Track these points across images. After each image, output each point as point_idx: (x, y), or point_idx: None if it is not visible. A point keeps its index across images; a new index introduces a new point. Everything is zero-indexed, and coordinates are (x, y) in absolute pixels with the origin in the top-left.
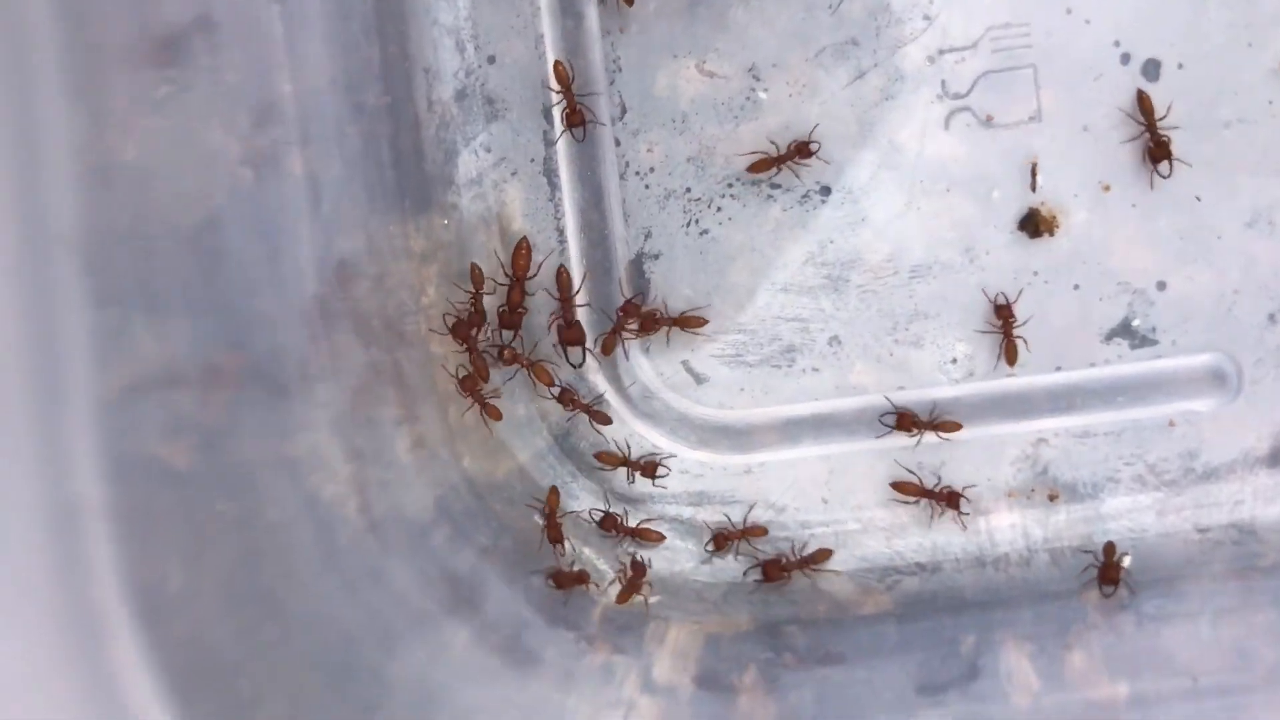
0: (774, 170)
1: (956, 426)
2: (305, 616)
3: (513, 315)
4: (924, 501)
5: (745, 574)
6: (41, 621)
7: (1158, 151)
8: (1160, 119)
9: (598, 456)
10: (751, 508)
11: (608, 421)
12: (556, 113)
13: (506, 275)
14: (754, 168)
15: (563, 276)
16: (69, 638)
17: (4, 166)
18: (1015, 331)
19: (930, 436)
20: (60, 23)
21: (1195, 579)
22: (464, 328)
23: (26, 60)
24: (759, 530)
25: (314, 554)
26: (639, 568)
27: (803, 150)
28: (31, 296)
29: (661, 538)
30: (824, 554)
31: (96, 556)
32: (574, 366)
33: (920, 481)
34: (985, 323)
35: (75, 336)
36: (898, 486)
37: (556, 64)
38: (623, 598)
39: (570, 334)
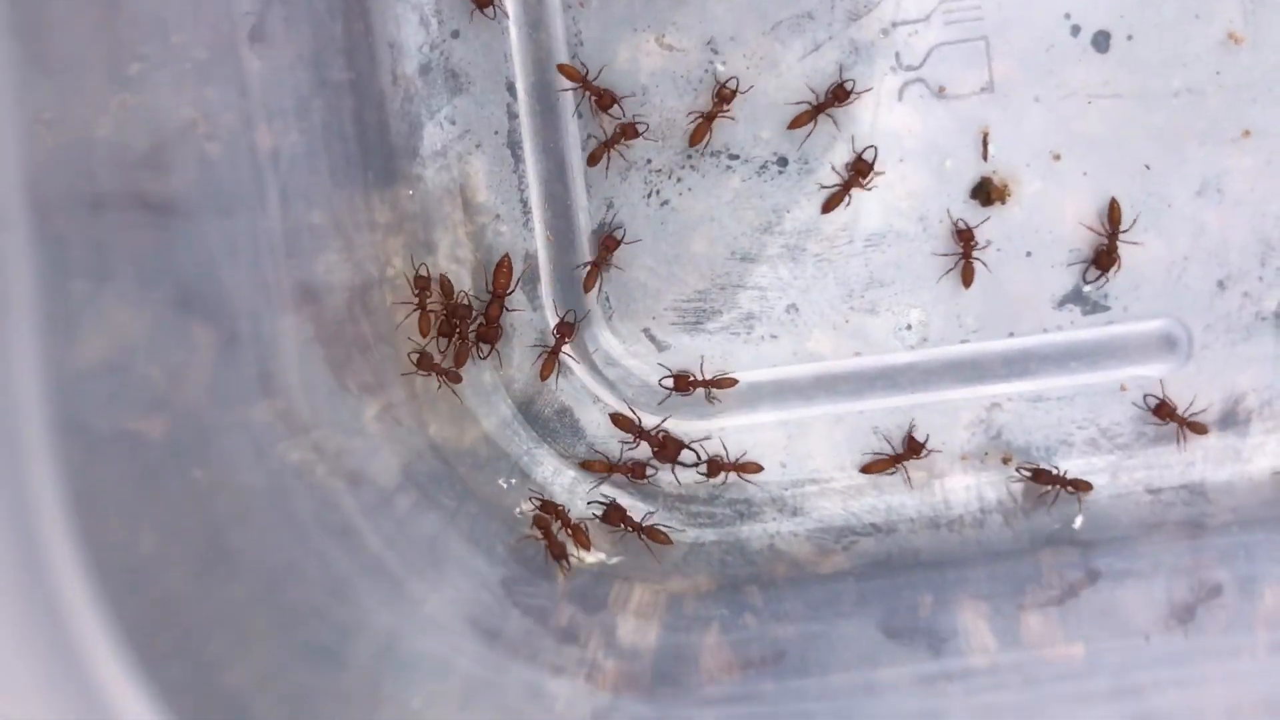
0: (813, 123)
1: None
2: (274, 579)
3: (490, 329)
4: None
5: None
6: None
7: (1107, 260)
8: (1123, 230)
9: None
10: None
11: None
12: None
13: (487, 290)
14: (795, 122)
15: (502, 270)
16: (30, 610)
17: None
18: (974, 254)
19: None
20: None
21: (1147, 539)
22: (449, 326)
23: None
24: (753, 466)
25: (282, 518)
26: (581, 537)
27: (840, 94)
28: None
29: (669, 541)
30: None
31: (54, 530)
32: (480, 358)
33: (892, 452)
34: (948, 245)
35: (32, 308)
36: (869, 469)
37: (561, 66)
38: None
39: (489, 332)
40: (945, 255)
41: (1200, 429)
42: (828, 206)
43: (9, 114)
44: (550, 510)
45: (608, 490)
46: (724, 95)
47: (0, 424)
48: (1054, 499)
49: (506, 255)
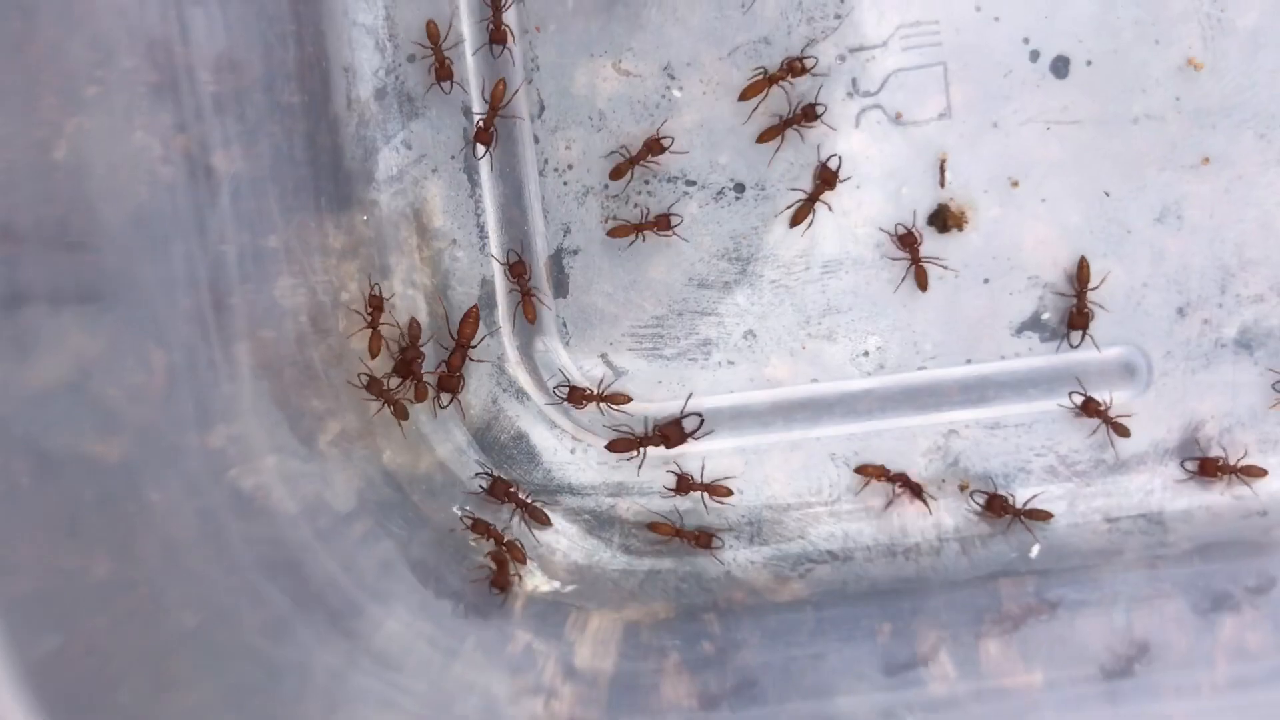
0: (764, 94)
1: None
2: (216, 608)
3: (452, 379)
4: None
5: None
6: None
7: (1079, 320)
8: (1092, 288)
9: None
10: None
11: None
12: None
13: (451, 337)
14: (763, 137)
15: (468, 321)
16: None
17: None
18: (922, 256)
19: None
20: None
21: (1106, 568)
22: (404, 367)
23: None
24: (723, 489)
25: (229, 545)
26: (516, 552)
27: (808, 113)
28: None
29: (549, 521)
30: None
31: None
32: (441, 407)
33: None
34: (894, 251)
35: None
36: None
37: (429, 23)
38: (499, 582)
39: (450, 383)
40: (895, 259)
41: (1123, 431)
42: (795, 220)
43: None
44: (482, 529)
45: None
46: (794, 69)
47: None
48: (1008, 526)
49: (475, 307)
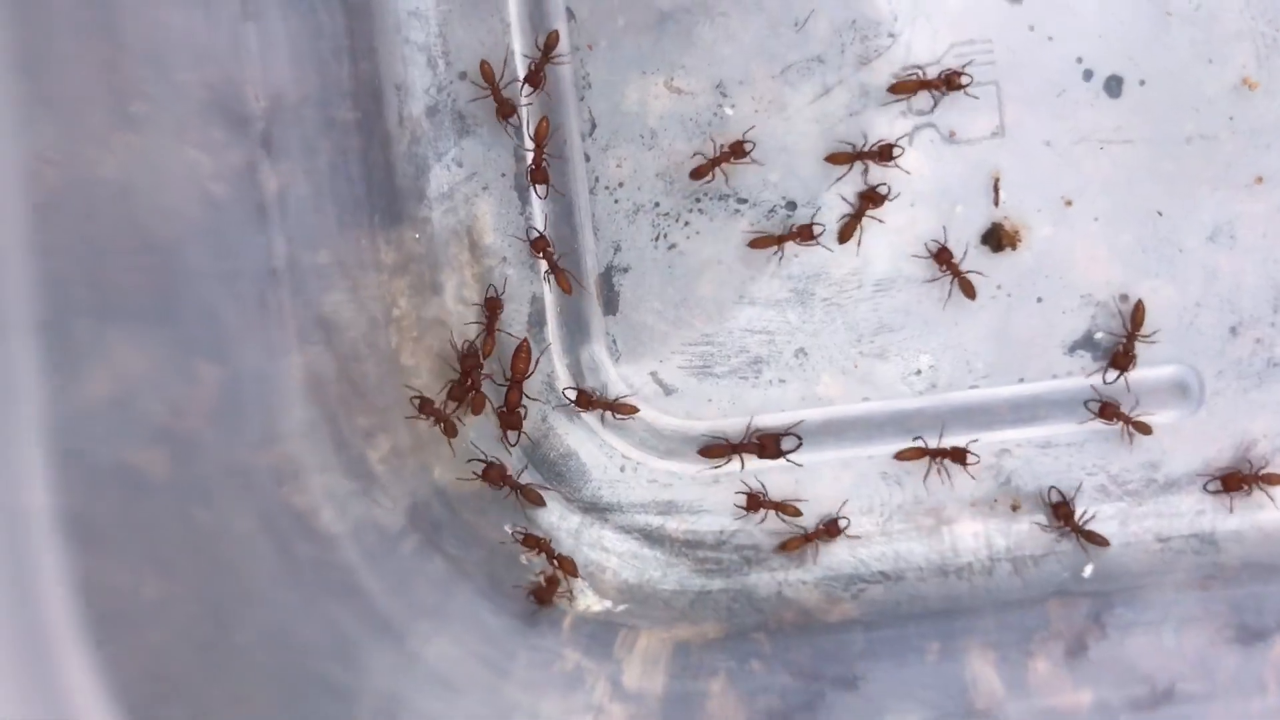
0: (848, 167)
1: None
2: (271, 628)
3: (513, 416)
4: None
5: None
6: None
7: (1122, 360)
8: (1145, 335)
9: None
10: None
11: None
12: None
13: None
14: (832, 159)
15: (521, 355)
16: (18, 651)
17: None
18: (961, 268)
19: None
20: (21, 33)
21: (1157, 588)
22: (460, 390)
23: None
24: (792, 509)
25: (282, 565)
26: (568, 565)
27: (885, 152)
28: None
29: (543, 502)
30: (793, 509)
31: (47, 568)
32: (510, 447)
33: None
34: (936, 272)
35: (30, 347)
36: (902, 455)
37: (482, 63)
38: (542, 596)
39: (512, 420)
40: (938, 278)
41: (1145, 428)
42: (843, 236)
43: (12, 152)
44: (532, 543)
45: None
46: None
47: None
48: (1059, 539)
49: (525, 340)
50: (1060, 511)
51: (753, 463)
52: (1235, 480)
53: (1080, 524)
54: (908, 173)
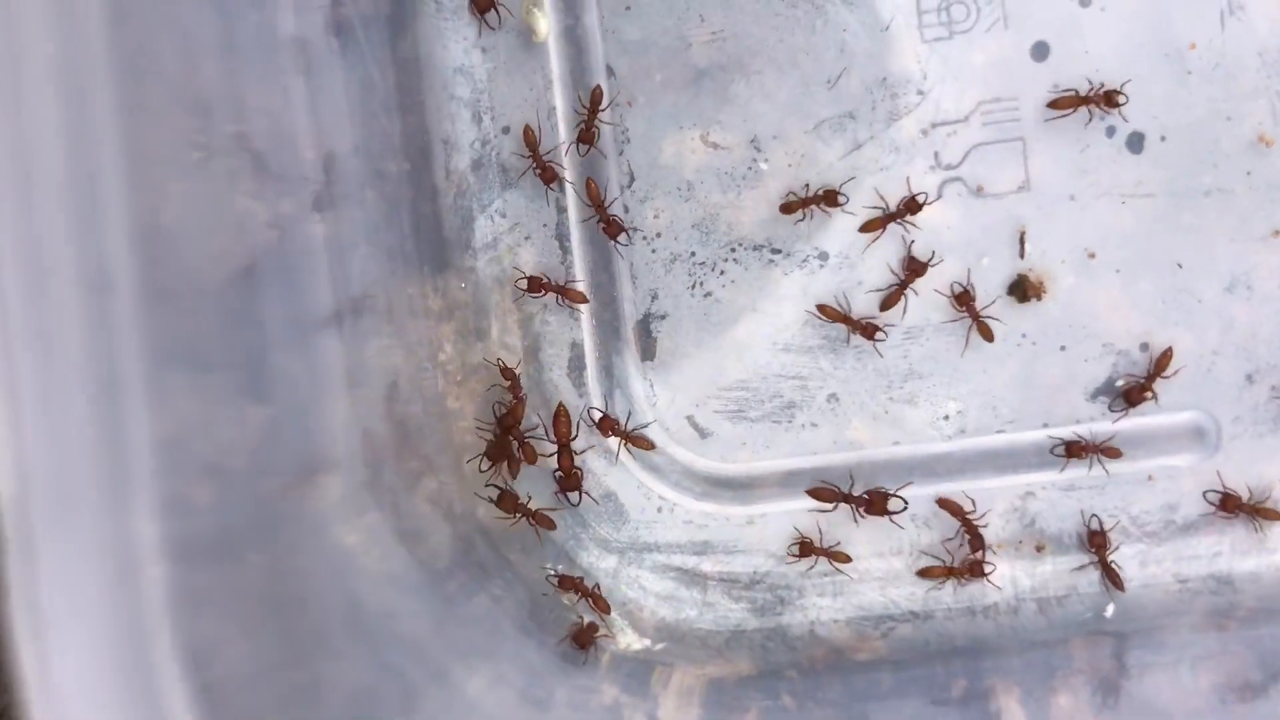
0: (881, 230)
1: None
2: (329, 663)
3: (569, 478)
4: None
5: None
6: (104, 660)
7: (1136, 396)
8: (1166, 375)
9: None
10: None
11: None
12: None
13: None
14: (866, 227)
15: (560, 419)
16: (128, 678)
17: (70, 227)
18: (980, 312)
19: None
20: (115, 93)
21: (1175, 628)
22: (498, 450)
23: (87, 131)
24: (844, 556)
25: (336, 602)
26: (601, 603)
27: (913, 206)
28: (94, 349)
29: (553, 525)
30: (844, 557)
31: (152, 599)
32: (574, 505)
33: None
34: (953, 311)
35: (133, 390)
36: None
37: (526, 129)
38: (581, 639)
39: (568, 482)
40: (953, 322)
41: (1114, 454)
42: (885, 305)
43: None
44: (569, 584)
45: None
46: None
47: (112, 499)
48: (1081, 567)
49: (561, 404)
50: (1095, 540)
51: (804, 503)
52: (1233, 504)
53: (1108, 557)
54: (917, 226)
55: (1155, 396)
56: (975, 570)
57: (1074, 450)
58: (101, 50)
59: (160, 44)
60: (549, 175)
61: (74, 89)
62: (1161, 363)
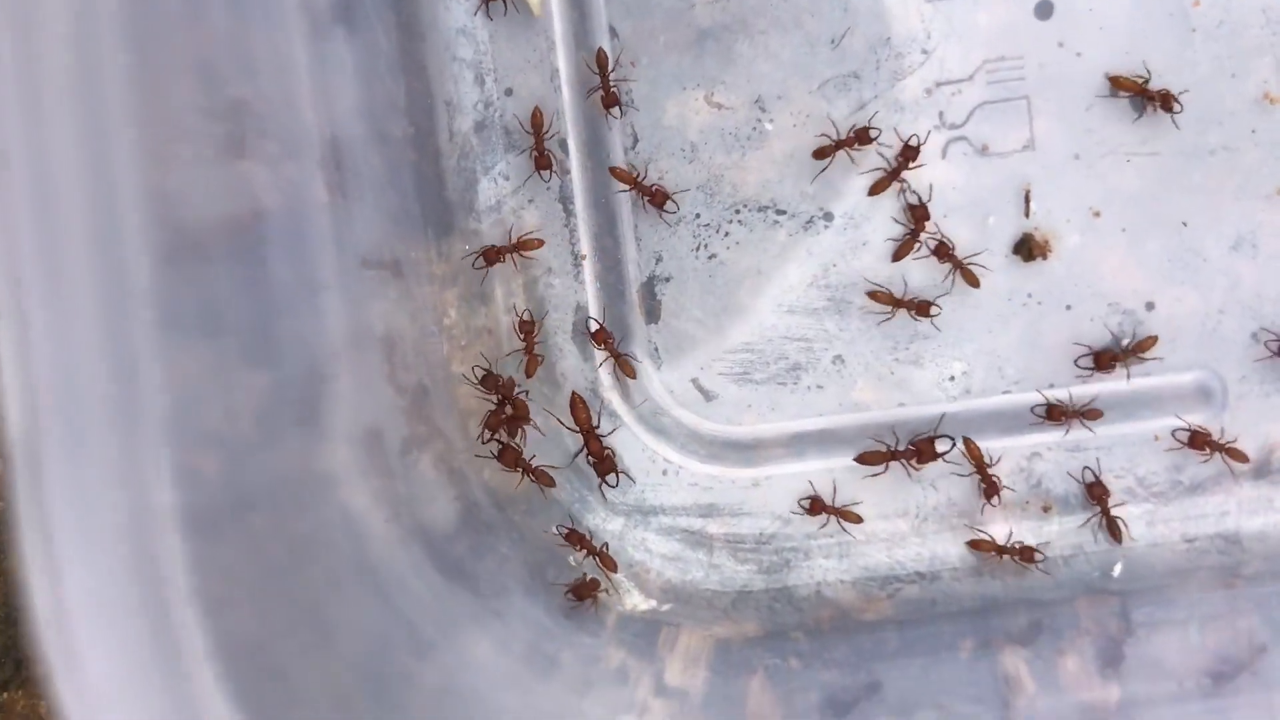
0: (830, 159)
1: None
2: (342, 621)
3: (604, 463)
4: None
5: None
6: (129, 621)
7: (1108, 364)
8: (1144, 357)
9: None
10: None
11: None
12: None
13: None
14: (818, 153)
15: (578, 406)
16: (152, 637)
17: (85, 191)
18: (962, 258)
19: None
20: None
21: (1183, 587)
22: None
23: (101, 98)
24: (854, 516)
25: (347, 564)
26: (608, 561)
27: (862, 137)
28: (111, 318)
29: (553, 482)
30: (855, 516)
31: (170, 561)
32: (611, 487)
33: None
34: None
35: (148, 356)
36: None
37: (535, 110)
38: (580, 591)
39: (603, 467)
40: (946, 279)
41: (1240, 456)
42: (898, 255)
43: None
44: (575, 539)
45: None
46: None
47: (128, 464)
48: (1087, 521)
49: (575, 393)
50: (1094, 491)
51: (810, 465)
52: (1201, 440)
53: (1110, 508)
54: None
55: (1128, 374)
56: (1026, 555)
57: (1054, 413)
58: (114, 13)
59: (169, 6)
60: (543, 162)
61: (88, 53)
62: (1143, 345)
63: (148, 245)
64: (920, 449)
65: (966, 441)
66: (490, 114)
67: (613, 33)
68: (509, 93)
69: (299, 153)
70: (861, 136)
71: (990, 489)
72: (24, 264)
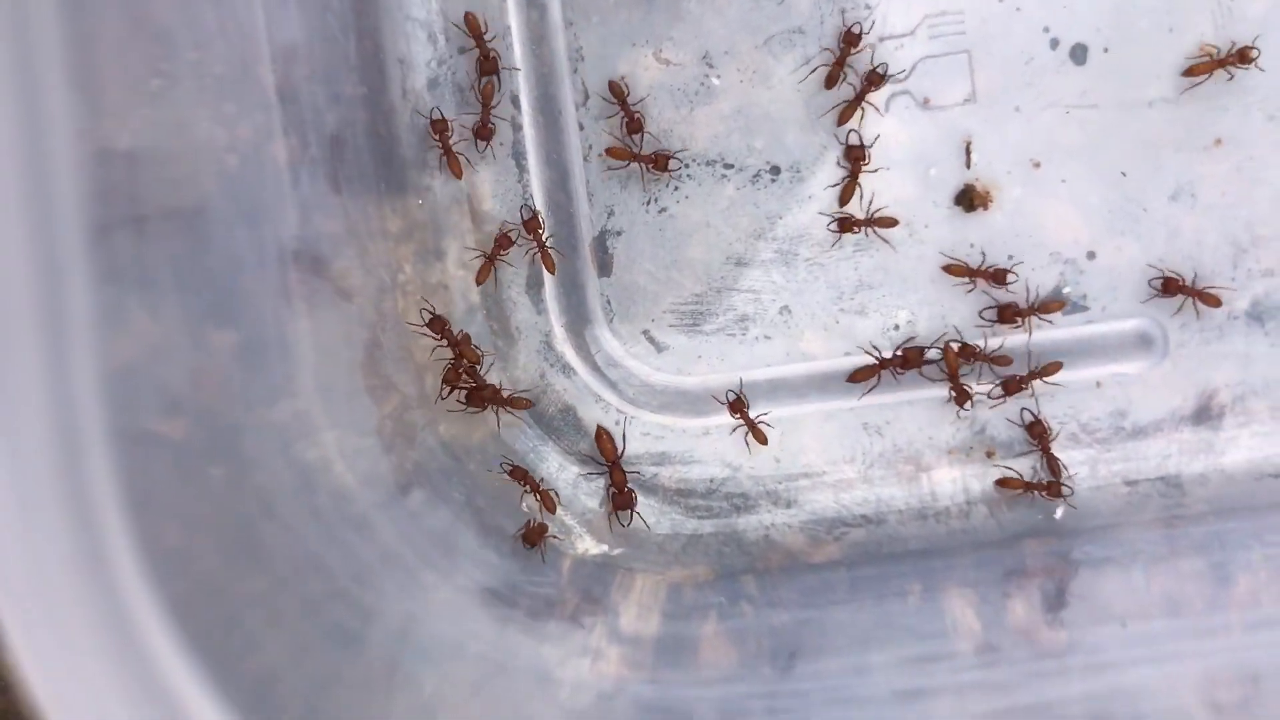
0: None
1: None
2: (296, 566)
3: (624, 496)
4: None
5: None
6: (65, 580)
7: (1009, 318)
8: (1046, 318)
9: None
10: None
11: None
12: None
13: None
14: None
15: (603, 439)
16: (92, 595)
17: (14, 154)
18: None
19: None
20: (61, 19)
21: (1125, 528)
22: (455, 374)
23: (32, 55)
24: (762, 436)
25: (301, 513)
26: (549, 501)
27: (850, 39)
28: (41, 278)
29: (530, 404)
30: (761, 436)
31: (108, 519)
32: (624, 525)
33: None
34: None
35: (80, 315)
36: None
37: (468, 14)
38: (529, 536)
39: (623, 500)
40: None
41: (1213, 301)
42: (843, 199)
43: (63, 129)
44: (519, 475)
45: None
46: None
47: (60, 422)
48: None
49: (600, 426)
50: (1034, 431)
51: (758, 414)
52: (1010, 314)
53: (1050, 446)
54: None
55: (1029, 332)
56: (1053, 490)
57: (1006, 314)
58: None
59: None
60: (484, 133)
61: (18, 22)
62: (1048, 306)
63: (102, 208)
64: (907, 356)
65: (945, 348)
66: (443, 72)
67: None
68: (461, 50)
69: (254, 114)
70: (873, 79)
71: (961, 396)
72: None
